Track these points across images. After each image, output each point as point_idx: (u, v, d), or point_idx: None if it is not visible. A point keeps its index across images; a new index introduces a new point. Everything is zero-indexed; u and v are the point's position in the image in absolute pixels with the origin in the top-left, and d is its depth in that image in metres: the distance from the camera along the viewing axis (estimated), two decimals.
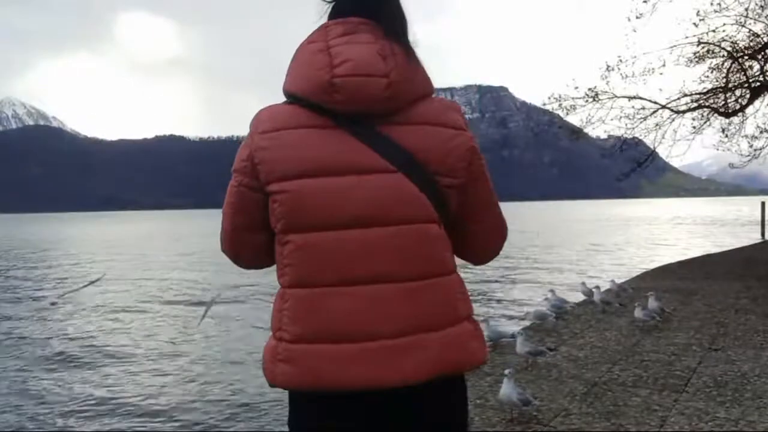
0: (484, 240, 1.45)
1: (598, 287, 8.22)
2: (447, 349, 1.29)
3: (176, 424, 6.05)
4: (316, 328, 1.25)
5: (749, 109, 14.57)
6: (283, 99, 1.35)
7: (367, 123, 1.27)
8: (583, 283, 8.74)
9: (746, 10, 13.14)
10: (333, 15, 1.36)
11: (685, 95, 14.37)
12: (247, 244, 1.41)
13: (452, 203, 1.33)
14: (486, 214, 1.41)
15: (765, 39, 13.57)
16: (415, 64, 1.32)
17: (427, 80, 1.34)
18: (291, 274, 1.28)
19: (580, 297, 8.81)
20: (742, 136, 15.10)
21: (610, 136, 15.54)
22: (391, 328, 1.24)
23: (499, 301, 12.50)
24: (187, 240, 43.36)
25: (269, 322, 1.34)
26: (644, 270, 13.87)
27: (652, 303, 6.92)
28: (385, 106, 1.27)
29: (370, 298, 1.24)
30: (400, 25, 1.34)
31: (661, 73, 14.09)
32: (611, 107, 14.39)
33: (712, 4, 13.15)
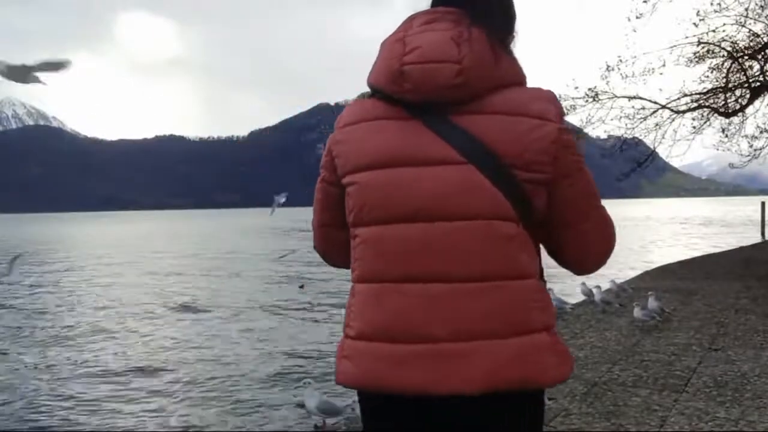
0: (583, 245, 1.29)
1: (598, 287, 8.22)
2: (510, 361, 1.17)
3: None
4: (376, 326, 1.22)
5: (749, 109, 14.57)
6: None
7: (441, 112, 1.22)
8: (583, 283, 8.74)
9: (746, 10, 13.14)
10: (432, 5, 1.33)
11: (685, 95, 14.37)
12: (333, 242, 1.41)
13: (537, 201, 1.21)
14: (582, 215, 1.26)
15: (765, 39, 13.56)
16: (500, 52, 1.24)
17: (514, 69, 1.26)
18: (358, 270, 1.27)
19: (580, 297, 8.81)
20: (742, 136, 15.09)
21: (610, 136, 15.52)
22: (444, 331, 1.17)
23: None
24: (186, 239, 43.36)
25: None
26: (644, 270, 13.86)
27: (652, 303, 6.92)
28: (457, 94, 1.20)
29: (425, 297, 1.18)
30: (490, 13, 1.27)
31: (661, 73, 14.09)
32: (611, 107, 14.38)
33: (712, 4, 13.16)
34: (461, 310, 1.17)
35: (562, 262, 1.34)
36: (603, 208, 1.29)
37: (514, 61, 1.27)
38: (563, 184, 1.22)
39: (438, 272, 1.18)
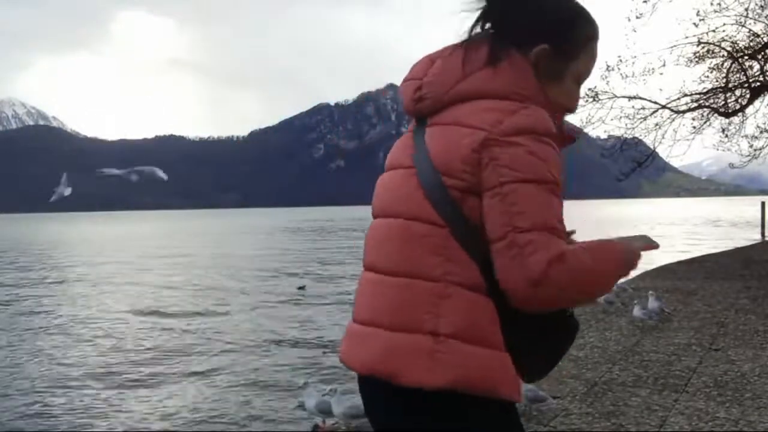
0: (499, 269, 1.15)
1: None
2: (388, 352, 1.22)
3: None
4: (359, 307, 1.36)
5: (749, 109, 14.58)
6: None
7: (423, 123, 1.34)
8: None
9: (746, 10, 13.15)
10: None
11: (685, 95, 14.38)
12: None
13: (467, 208, 1.20)
14: (495, 233, 1.15)
15: (765, 39, 13.57)
16: (498, 62, 1.27)
17: (500, 80, 1.26)
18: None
19: None
20: (742, 136, 15.12)
21: (610, 136, 15.55)
22: (363, 315, 1.32)
23: None
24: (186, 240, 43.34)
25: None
26: (644, 270, 13.88)
27: (653, 302, 6.91)
28: (419, 107, 1.34)
29: (365, 284, 1.35)
30: (504, 14, 1.32)
31: (661, 73, 14.09)
32: (611, 107, 14.40)
33: (712, 4, 13.16)
34: (373, 299, 1.30)
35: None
36: (536, 237, 1.12)
37: (517, 73, 1.27)
38: (485, 196, 1.18)
39: (370, 263, 1.35)
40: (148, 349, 9.36)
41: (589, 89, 14.27)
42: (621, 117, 14.58)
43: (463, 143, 1.21)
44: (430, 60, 1.36)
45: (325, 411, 4.61)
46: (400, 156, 1.36)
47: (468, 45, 1.31)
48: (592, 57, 1.37)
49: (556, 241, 1.13)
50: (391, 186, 1.36)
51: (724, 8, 13.01)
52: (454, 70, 1.30)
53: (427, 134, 1.30)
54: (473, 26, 1.33)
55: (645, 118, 14.49)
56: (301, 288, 15.49)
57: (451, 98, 1.29)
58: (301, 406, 5.18)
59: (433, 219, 1.24)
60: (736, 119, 14.80)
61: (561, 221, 1.17)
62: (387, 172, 1.40)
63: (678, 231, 36.81)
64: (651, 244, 1.31)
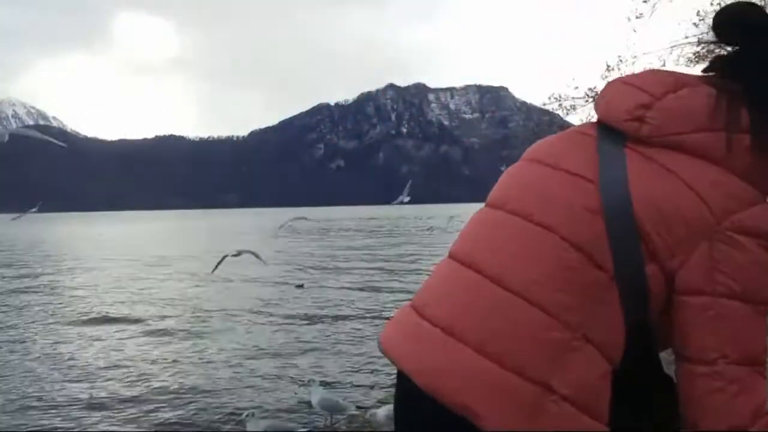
0: (691, 399, 1.03)
1: None
2: (484, 388, 1.00)
3: None
4: (425, 302, 1.18)
5: None
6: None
7: (624, 144, 1.14)
8: None
9: None
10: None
11: None
12: None
13: (647, 266, 1.03)
14: (697, 355, 1.02)
15: None
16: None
17: (744, 155, 1.05)
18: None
19: None
20: None
21: None
22: (456, 323, 1.11)
23: None
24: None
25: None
26: None
27: None
28: (629, 126, 1.12)
29: (464, 283, 1.13)
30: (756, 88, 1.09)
31: None
32: None
33: (712, 4, 13.15)
34: (489, 315, 1.03)
35: None
36: (744, 375, 0.98)
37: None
38: (687, 296, 1.02)
39: (494, 269, 1.08)
40: (148, 352, 9.35)
41: (589, 89, 14.27)
42: None
43: (684, 211, 1.00)
44: (675, 81, 1.11)
45: (328, 407, 4.63)
46: (573, 159, 1.10)
47: (719, 89, 1.09)
48: None
49: (762, 384, 0.98)
50: (547, 188, 1.08)
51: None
52: (701, 114, 1.06)
53: (631, 161, 1.05)
54: (723, 64, 1.16)
55: None
56: (300, 286, 15.50)
57: (679, 143, 1.05)
58: (304, 402, 5.21)
59: (597, 255, 1.01)
60: None
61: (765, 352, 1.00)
62: (539, 166, 1.13)
63: None
64: None
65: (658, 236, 0.99)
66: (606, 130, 1.11)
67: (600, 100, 1.17)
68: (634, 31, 13.61)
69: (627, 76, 1.18)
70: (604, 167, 1.05)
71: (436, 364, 1.01)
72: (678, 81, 1.11)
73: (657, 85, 1.10)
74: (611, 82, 1.19)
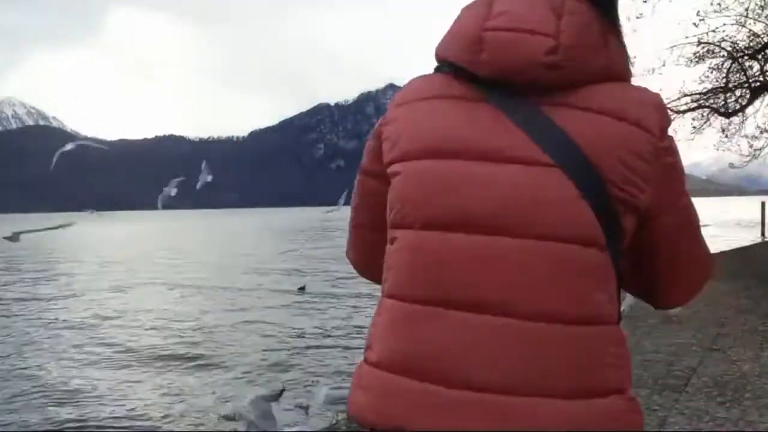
0: (675, 288, 1.10)
1: None
2: (574, 426, 0.89)
3: None
4: (403, 356, 0.95)
5: (749, 109, 14.60)
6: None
7: (524, 99, 0.96)
8: None
9: (746, 10, 13.16)
10: None
11: (685, 95, 14.39)
12: (368, 247, 1.16)
13: (627, 226, 0.96)
14: (684, 257, 1.06)
15: (765, 39, 13.57)
16: (610, 35, 0.99)
17: (617, 60, 0.99)
18: (390, 281, 1.00)
19: None
20: (742, 136, 15.12)
21: None
22: (497, 378, 0.90)
23: None
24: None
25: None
26: None
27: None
28: (549, 77, 0.94)
29: (469, 330, 0.92)
30: None
31: (661, 74, 14.10)
32: None
33: (712, 4, 13.17)
34: (514, 355, 0.90)
35: (650, 296, 1.12)
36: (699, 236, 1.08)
37: (623, 51, 1.02)
38: (665, 212, 1.00)
39: (501, 302, 0.91)
40: (153, 347, 9.36)
41: None
42: None
43: (630, 144, 0.94)
44: (547, 8, 0.96)
45: (336, 403, 4.65)
46: (488, 139, 0.95)
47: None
48: None
49: None
50: (501, 186, 0.93)
51: (724, 8, 13.03)
52: (589, 34, 0.96)
53: (562, 118, 0.94)
54: None
55: None
56: (302, 288, 15.49)
57: (589, 73, 0.96)
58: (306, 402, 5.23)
59: (596, 239, 0.93)
60: (736, 119, 14.81)
61: None
62: (466, 162, 0.95)
63: None
64: None
65: (622, 186, 0.93)
66: (488, 87, 0.97)
67: (473, 54, 0.97)
68: (634, 31, 13.62)
69: (491, 18, 0.98)
70: (544, 139, 0.93)
71: (496, 424, 0.93)
72: (552, 9, 0.96)
73: (540, 20, 0.95)
74: (479, 33, 0.97)
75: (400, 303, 0.97)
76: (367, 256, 1.18)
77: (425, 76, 1.08)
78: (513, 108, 0.96)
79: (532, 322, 0.90)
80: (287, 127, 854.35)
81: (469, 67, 0.98)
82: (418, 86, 1.07)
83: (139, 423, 6.11)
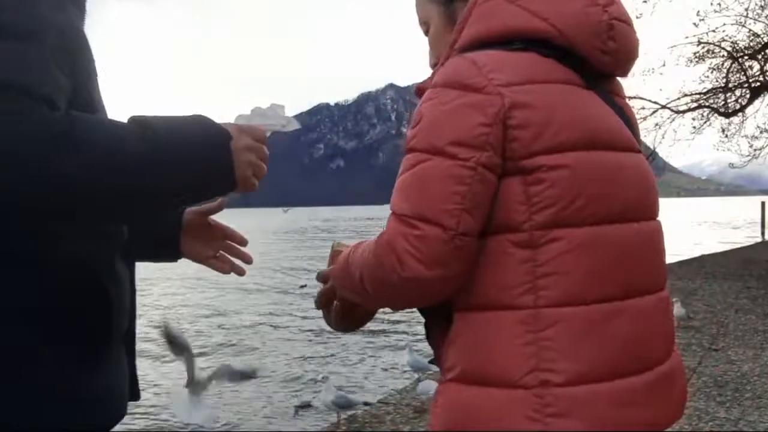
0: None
1: None
2: (682, 393, 1.06)
3: None
4: (604, 361, 0.92)
5: (749, 109, 14.60)
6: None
7: (603, 88, 1.03)
8: None
9: (746, 10, 13.16)
10: None
11: (685, 95, 14.41)
12: (467, 261, 0.94)
13: None
14: None
15: (765, 39, 13.57)
16: None
17: None
18: (558, 287, 0.92)
19: None
20: (742, 136, 15.13)
21: None
22: (660, 351, 1.02)
23: None
24: None
25: None
26: None
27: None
28: (602, 60, 1.01)
29: (643, 314, 0.98)
30: None
31: (661, 73, 14.13)
32: None
33: (711, 4, 13.17)
34: (665, 324, 1.05)
35: None
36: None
37: None
38: None
39: (648, 282, 1.01)
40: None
41: None
42: None
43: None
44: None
45: (342, 405, 4.66)
46: (615, 129, 1.00)
47: None
48: None
49: None
50: (635, 177, 1.00)
51: (724, 8, 13.03)
52: (629, 17, 1.06)
53: (622, 105, 1.06)
54: None
55: (645, 118, 14.49)
56: (303, 287, 15.51)
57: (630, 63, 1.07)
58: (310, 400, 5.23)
59: (657, 216, 1.07)
60: (736, 119, 14.82)
61: None
62: (612, 153, 0.98)
63: (678, 231, 36.87)
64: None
65: None
66: (588, 75, 1.00)
67: (602, 42, 1.00)
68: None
69: (604, 4, 1.01)
70: (629, 127, 1.04)
71: (661, 405, 1.01)
72: None
73: (629, 16, 1.05)
74: (609, 21, 1.01)
75: (582, 308, 0.92)
76: (465, 271, 0.94)
77: (507, 53, 0.97)
78: (605, 96, 1.01)
79: (662, 292, 1.04)
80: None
81: (591, 53, 0.99)
82: (521, 66, 0.96)
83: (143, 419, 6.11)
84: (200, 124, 0.86)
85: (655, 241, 1.03)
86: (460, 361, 0.96)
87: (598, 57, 0.99)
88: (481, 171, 0.92)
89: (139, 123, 0.81)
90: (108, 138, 0.78)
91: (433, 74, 1.05)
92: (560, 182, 0.92)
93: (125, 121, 0.82)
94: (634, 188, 0.99)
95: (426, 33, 1.16)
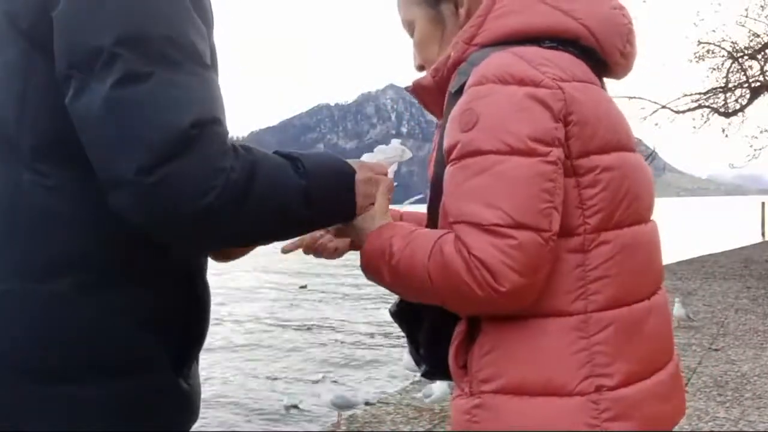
0: None
1: None
2: (683, 392, 1.08)
3: None
4: (641, 359, 0.94)
5: (749, 109, 14.60)
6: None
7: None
8: None
9: (746, 10, 13.17)
10: None
11: (685, 95, 14.43)
12: (547, 264, 0.89)
13: None
14: None
15: (765, 39, 13.59)
16: None
17: None
18: (607, 290, 0.92)
19: None
20: (743, 136, 15.14)
21: None
22: (669, 348, 1.05)
23: None
24: None
25: None
26: None
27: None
28: (617, 62, 1.04)
29: (657, 310, 1.00)
30: None
31: (661, 74, 14.13)
32: None
33: (711, 3, 13.19)
34: (669, 319, 1.06)
35: None
36: None
37: None
38: None
39: (659, 280, 1.03)
40: None
41: None
42: None
43: None
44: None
45: (341, 405, 4.65)
46: (630, 131, 1.01)
47: None
48: None
49: None
50: (649, 177, 1.02)
51: (724, 8, 13.06)
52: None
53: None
54: None
55: (645, 118, 14.52)
56: (303, 287, 15.51)
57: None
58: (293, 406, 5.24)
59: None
60: (736, 119, 14.82)
61: None
62: (631, 154, 0.98)
63: (678, 231, 36.87)
64: None
65: None
66: (593, 67, 1.00)
67: (623, 45, 1.02)
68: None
69: (618, 8, 1.03)
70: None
71: (670, 402, 1.02)
72: None
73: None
74: (629, 25, 1.04)
75: (626, 309, 0.93)
76: (540, 276, 0.89)
77: (543, 50, 0.95)
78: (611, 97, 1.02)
79: (662, 289, 1.04)
80: (287, 127, 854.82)
81: (612, 55, 1.01)
82: (561, 64, 0.94)
83: None
84: (332, 160, 0.94)
85: (658, 240, 1.05)
86: (505, 372, 0.92)
87: (617, 59, 1.01)
88: (560, 165, 0.89)
89: (289, 157, 0.89)
90: (278, 175, 0.85)
91: (434, 73, 1.03)
92: (612, 184, 0.92)
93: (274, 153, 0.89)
94: (650, 188, 1.02)
95: (411, 35, 1.13)
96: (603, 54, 0.99)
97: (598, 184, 0.91)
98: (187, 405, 0.96)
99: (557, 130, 0.88)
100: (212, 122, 0.78)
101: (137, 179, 0.74)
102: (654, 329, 0.97)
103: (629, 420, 0.89)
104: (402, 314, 1.08)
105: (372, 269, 0.98)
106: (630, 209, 0.94)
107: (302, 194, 0.86)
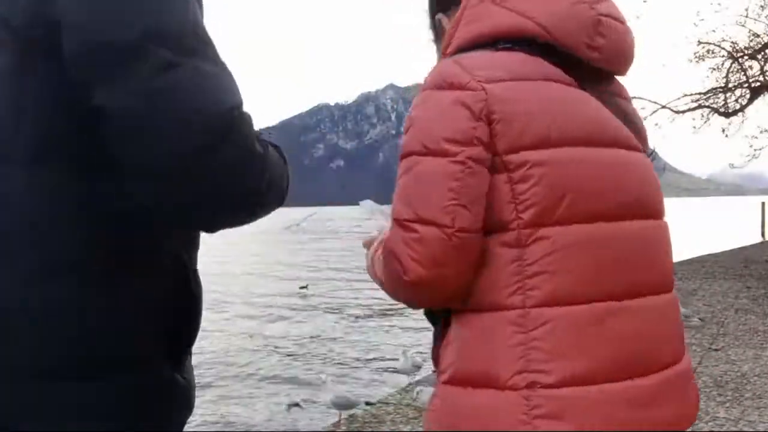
0: None
1: None
2: (696, 393, 1.05)
3: None
4: (599, 361, 0.91)
5: (749, 109, 14.60)
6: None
7: (597, 86, 1.02)
8: None
9: (746, 10, 13.17)
10: None
11: (685, 95, 14.42)
12: (470, 257, 0.93)
13: None
14: None
15: (765, 39, 13.58)
16: None
17: None
18: (545, 286, 0.91)
19: None
20: (743, 136, 15.14)
21: None
22: (671, 351, 1.00)
23: None
24: None
25: None
26: None
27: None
28: (626, 69, 1.05)
29: (649, 313, 0.97)
30: None
31: (661, 74, 14.13)
32: None
33: (711, 3, 13.19)
34: (674, 326, 1.02)
35: None
36: None
37: None
38: None
39: (654, 282, 0.99)
40: None
41: None
42: None
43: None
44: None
45: (341, 405, 4.66)
46: (609, 126, 0.99)
47: None
48: None
49: None
50: (637, 175, 1.00)
51: (724, 8, 13.05)
52: (621, 15, 1.05)
53: (627, 107, 1.07)
54: None
55: (645, 118, 14.48)
56: (304, 287, 15.52)
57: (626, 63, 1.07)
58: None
59: (663, 216, 1.06)
60: (736, 119, 14.82)
61: None
62: (603, 150, 0.96)
63: (678, 231, 36.82)
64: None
65: None
66: (578, 73, 0.99)
67: (590, 38, 1.00)
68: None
69: (593, 2, 1.00)
70: (628, 126, 1.03)
71: (678, 403, 1.02)
72: None
73: (623, 16, 1.04)
74: (596, 16, 1.00)
75: (573, 307, 0.91)
76: (467, 270, 0.93)
77: (494, 53, 0.98)
78: (599, 96, 1.00)
79: (668, 294, 1.01)
80: (287, 127, 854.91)
81: (578, 49, 0.99)
82: (505, 64, 0.96)
83: None
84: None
85: (661, 241, 1.02)
86: (454, 363, 0.96)
87: (586, 52, 0.99)
88: (471, 164, 0.91)
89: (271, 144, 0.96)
90: (278, 163, 0.94)
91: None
92: (546, 179, 0.91)
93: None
94: (638, 186, 0.99)
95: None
96: (568, 49, 0.99)
97: (529, 179, 0.91)
98: (184, 399, 0.98)
99: (476, 129, 0.92)
100: (242, 105, 0.82)
101: (186, 164, 0.76)
102: (625, 333, 0.92)
103: (563, 420, 0.87)
104: (426, 314, 1.10)
105: (373, 277, 1.12)
106: (579, 206, 0.92)
107: (286, 178, 0.97)
